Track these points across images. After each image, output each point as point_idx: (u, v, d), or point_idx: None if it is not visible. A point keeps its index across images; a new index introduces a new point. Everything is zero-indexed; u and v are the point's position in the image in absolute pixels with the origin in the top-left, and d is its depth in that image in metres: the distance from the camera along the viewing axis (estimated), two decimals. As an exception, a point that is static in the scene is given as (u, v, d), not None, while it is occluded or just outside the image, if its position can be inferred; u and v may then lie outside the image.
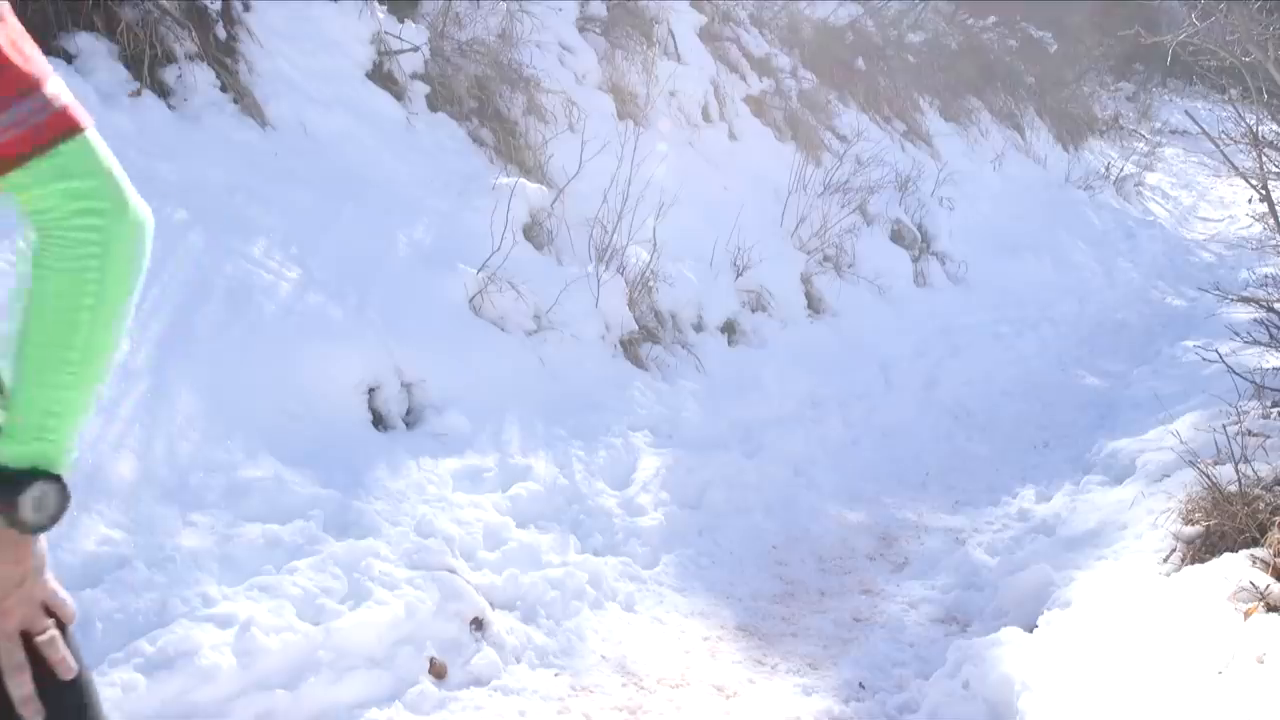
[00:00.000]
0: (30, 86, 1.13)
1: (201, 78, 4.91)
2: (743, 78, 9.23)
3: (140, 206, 1.20)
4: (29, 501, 1.15)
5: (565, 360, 5.11)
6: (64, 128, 1.14)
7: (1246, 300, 5.90)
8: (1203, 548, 3.55)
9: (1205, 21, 5.57)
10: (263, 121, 5.08)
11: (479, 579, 3.52)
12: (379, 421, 4.21)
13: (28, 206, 1.14)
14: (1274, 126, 6.37)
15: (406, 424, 4.31)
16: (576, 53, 7.34)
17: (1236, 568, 3.19)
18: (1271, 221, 5.33)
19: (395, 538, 3.49)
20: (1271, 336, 5.32)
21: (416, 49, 6.03)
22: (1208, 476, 3.80)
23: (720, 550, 4.38)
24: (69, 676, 1.22)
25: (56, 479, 1.17)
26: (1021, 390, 7.15)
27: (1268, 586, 2.98)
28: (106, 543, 3.04)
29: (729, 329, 6.50)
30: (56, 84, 1.15)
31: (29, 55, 1.14)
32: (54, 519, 1.17)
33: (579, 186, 5.94)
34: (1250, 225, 9.98)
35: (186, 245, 4.12)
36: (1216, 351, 4.92)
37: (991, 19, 14.46)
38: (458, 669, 3.19)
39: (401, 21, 6.06)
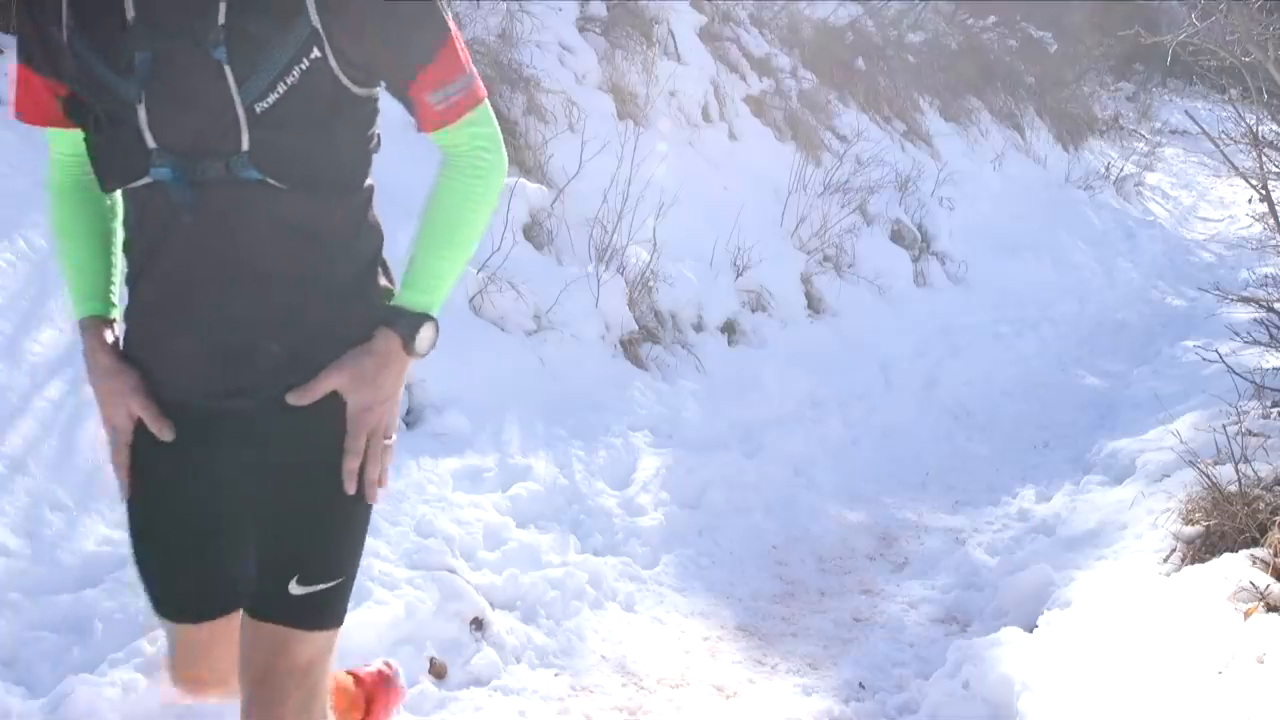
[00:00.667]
0: (467, 65, 1.61)
1: (201, 78, 4.91)
2: (743, 78, 9.23)
3: (505, 152, 1.69)
4: (420, 335, 1.63)
5: (565, 360, 5.10)
6: (480, 97, 1.63)
7: (1246, 300, 5.89)
8: (1203, 548, 3.55)
9: (1205, 21, 5.56)
10: (263, 121, 5.08)
11: (479, 579, 3.52)
12: (379, 421, 4.21)
13: (443, 141, 1.65)
14: (1274, 126, 6.37)
15: (406, 424, 4.30)
16: (576, 53, 7.34)
17: (1236, 568, 3.19)
18: (1271, 221, 5.32)
19: (395, 538, 3.49)
20: (1271, 336, 5.31)
21: (416, 49, 6.03)
22: (1208, 476, 3.80)
23: (720, 550, 4.38)
24: (385, 484, 1.67)
25: (434, 322, 1.64)
26: (1021, 390, 7.14)
27: (1268, 586, 2.98)
28: (106, 543, 3.04)
29: (729, 329, 6.50)
30: (471, 65, 1.62)
31: (462, 43, 1.61)
32: (428, 351, 1.66)
33: (579, 186, 5.94)
34: (1250, 225, 9.96)
35: (186, 245, 4.13)
36: (1216, 351, 4.91)
37: (991, 19, 14.45)
38: (458, 669, 3.19)
39: (401, 21, 6.06)
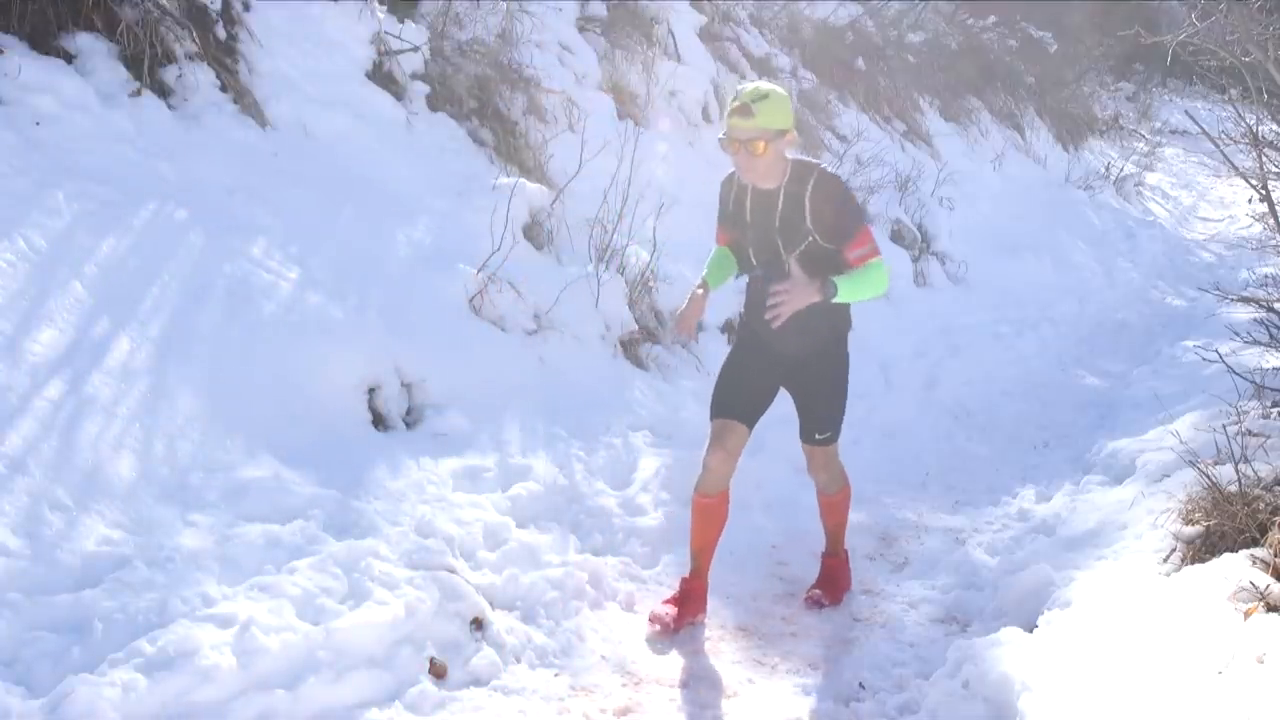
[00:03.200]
0: (870, 239, 3.56)
1: (201, 78, 4.91)
2: (743, 78, 9.23)
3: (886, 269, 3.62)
4: (828, 290, 3.42)
5: (565, 360, 5.11)
6: (877, 256, 3.55)
7: (1246, 300, 5.89)
8: (1203, 548, 3.55)
9: (1205, 21, 5.56)
10: (263, 121, 5.08)
11: (479, 579, 3.52)
12: (379, 421, 4.21)
13: (859, 263, 3.52)
14: (1274, 126, 6.37)
15: (406, 424, 4.30)
16: (576, 53, 7.34)
17: (1236, 568, 3.19)
18: (1271, 221, 5.32)
19: (395, 538, 3.49)
20: (1271, 336, 5.32)
21: (416, 49, 6.03)
22: (1208, 476, 3.80)
23: (720, 550, 4.36)
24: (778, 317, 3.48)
25: (836, 291, 3.45)
26: (1021, 390, 7.14)
27: (1268, 586, 2.98)
28: (106, 543, 3.04)
29: (729, 329, 6.49)
30: (871, 238, 3.58)
31: (869, 228, 3.66)
32: (825, 298, 3.42)
33: (579, 186, 5.94)
34: (1250, 225, 9.98)
35: (186, 245, 4.13)
36: (1216, 351, 4.91)
37: (991, 19, 14.47)
38: (458, 669, 3.19)
39: (401, 21, 6.06)
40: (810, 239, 3.52)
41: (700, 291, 3.74)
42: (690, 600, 3.76)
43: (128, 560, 3.01)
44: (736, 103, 3.48)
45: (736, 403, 3.76)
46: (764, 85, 3.56)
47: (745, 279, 3.88)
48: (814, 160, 3.67)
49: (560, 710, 3.16)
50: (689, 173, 7.33)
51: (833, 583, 4.12)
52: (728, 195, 3.75)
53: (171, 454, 3.41)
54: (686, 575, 3.86)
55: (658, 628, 3.65)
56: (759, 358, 3.79)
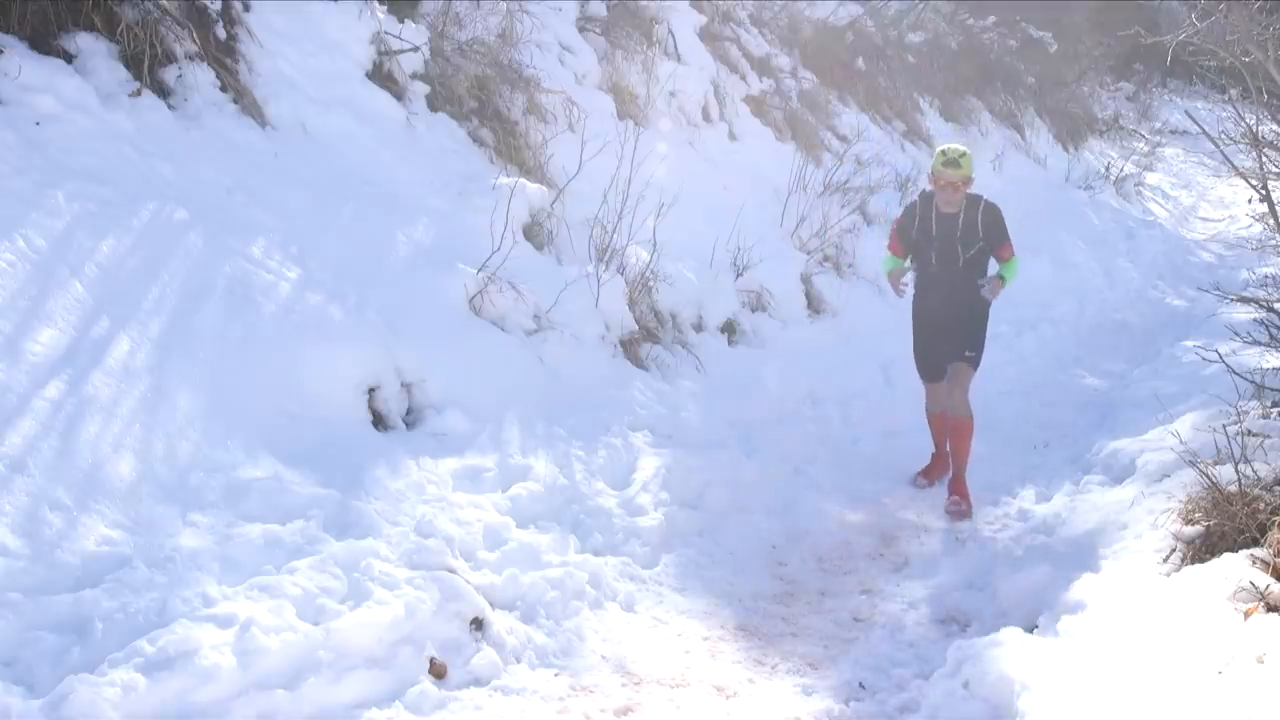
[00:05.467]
0: (1012, 245, 5.32)
1: (201, 78, 4.91)
2: (743, 78, 9.23)
3: (1018, 262, 5.48)
4: (998, 286, 5.25)
5: (565, 360, 5.10)
6: (1013, 253, 5.32)
7: (1246, 300, 5.89)
8: (1203, 548, 3.55)
9: (1205, 21, 5.55)
10: (263, 121, 5.08)
11: (479, 579, 3.52)
12: (379, 421, 4.21)
13: (1002, 261, 5.30)
14: (1274, 126, 6.36)
15: (406, 424, 4.30)
16: (576, 53, 7.34)
17: (1236, 568, 3.19)
18: (1271, 221, 5.32)
19: (395, 538, 3.49)
20: (1271, 336, 5.31)
21: (416, 49, 6.03)
22: (1208, 476, 3.80)
23: (720, 550, 4.38)
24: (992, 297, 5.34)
25: (1004, 283, 5.30)
26: (1021, 390, 7.14)
27: (1268, 586, 2.98)
28: (106, 543, 3.04)
29: (729, 329, 6.49)
30: (1013, 245, 5.38)
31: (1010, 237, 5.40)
32: (997, 293, 5.27)
33: (579, 186, 5.94)
34: (1250, 225, 9.96)
35: (186, 245, 4.12)
36: (1216, 351, 4.91)
37: (991, 19, 14.45)
38: (458, 669, 3.19)
39: (401, 21, 6.06)
40: (980, 244, 5.22)
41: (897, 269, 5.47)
42: (936, 466, 5.52)
43: (128, 560, 3.01)
44: (945, 158, 5.16)
45: (934, 368, 5.43)
46: (961, 147, 5.27)
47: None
48: (979, 194, 5.30)
49: (560, 710, 3.16)
50: (689, 173, 7.32)
51: (963, 496, 5.26)
52: (913, 216, 5.36)
53: (171, 454, 3.41)
54: (935, 451, 5.58)
55: (920, 484, 5.43)
56: (934, 328, 5.38)
